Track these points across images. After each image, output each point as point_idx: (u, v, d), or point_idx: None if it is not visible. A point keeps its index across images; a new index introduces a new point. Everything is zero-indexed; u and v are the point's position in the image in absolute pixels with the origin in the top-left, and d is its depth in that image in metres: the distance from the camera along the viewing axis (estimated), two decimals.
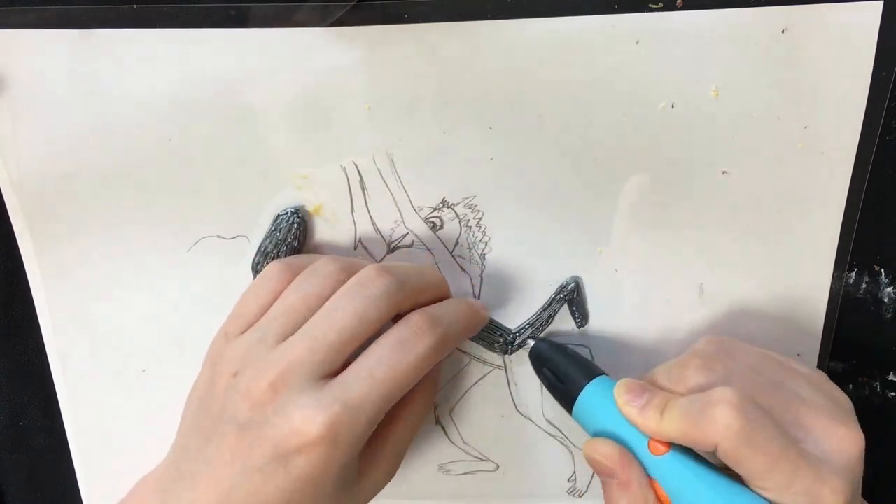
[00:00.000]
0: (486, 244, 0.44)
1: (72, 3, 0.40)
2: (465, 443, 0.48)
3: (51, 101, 0.41)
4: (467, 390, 0.47)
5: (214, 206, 0.43)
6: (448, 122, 0.41)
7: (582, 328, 0.45)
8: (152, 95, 0.41)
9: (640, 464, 0.37)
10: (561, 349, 0.43)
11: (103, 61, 0.40)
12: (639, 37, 0.39)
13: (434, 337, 0.38)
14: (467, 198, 0.43)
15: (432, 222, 0.43)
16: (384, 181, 0.43)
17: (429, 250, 0.44)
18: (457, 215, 0.43)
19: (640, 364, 0.45)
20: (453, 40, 0.40)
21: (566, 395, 0.41)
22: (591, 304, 0.45)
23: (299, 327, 0.37)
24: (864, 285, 0.45)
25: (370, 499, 0.40)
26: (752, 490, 0.35)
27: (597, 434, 0.39)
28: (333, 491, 0.36)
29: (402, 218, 0.43)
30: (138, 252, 0.44)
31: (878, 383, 0.47)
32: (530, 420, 0.47)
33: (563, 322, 0.45)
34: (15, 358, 0.48)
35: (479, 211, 0.43)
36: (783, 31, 0.39)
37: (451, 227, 0.44)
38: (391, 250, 0.44)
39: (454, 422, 0.47)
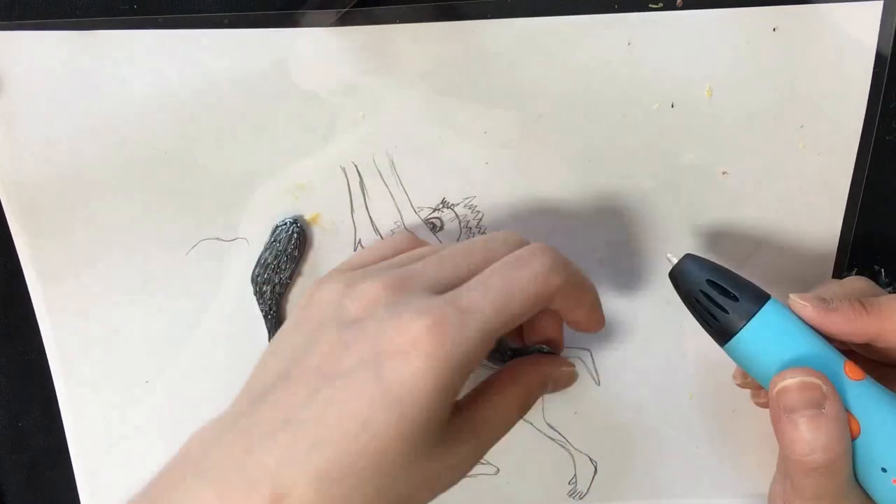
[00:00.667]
0: None
1: (71, 4, 0.40)
2: None
3: (49, 103, 0.41)
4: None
5: (213, 208, 0.43)
6: (447, 122, 0.41)
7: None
8: (151, 97, 0.41)
9: None
10: (720, 267, 0.36)
11: (102, 63, 0.40)
12: (636, 37, 0.39)
13: (549, 259, 0.34)
14: (467, 198, 0.43)
15: (432, 223, 0.43)
16: (384, 182, 0.43)
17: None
18: (457, 216, 0.43)
19: (640, 365, 0.45)
20: (453, 40, 0.40)
21: (729, 322, 0.35)
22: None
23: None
24: None
25: (445, 484, 0.34)
26: None
27: (776, 364, 0.34)
28: (418, 427, 0.31)
29: (401, 219, 0.43)
30: (137, 255, 0.44)
31: None
32: (530, 423, 0.47)
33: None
34: (15, 358, 0.48)
35: (478, 212, 0.43)
36: (774, 30, 0.39)
37: (451, 228, 0.43)
38: None
39: None
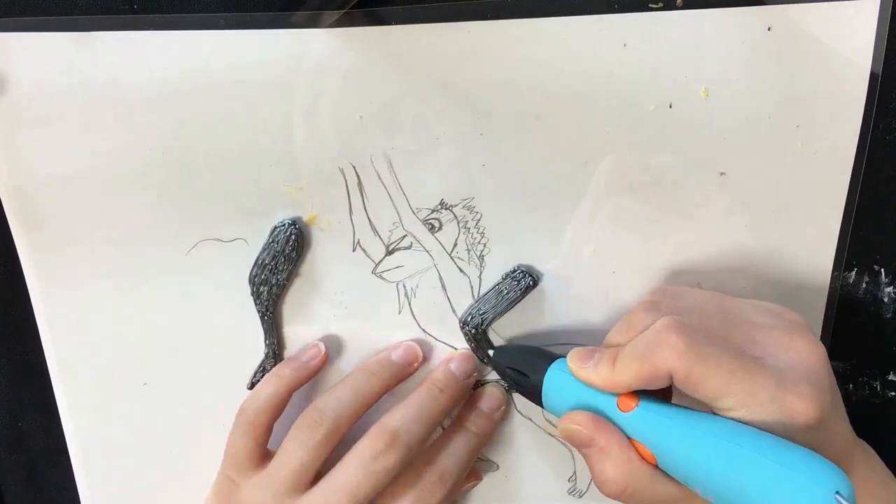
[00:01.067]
0: (484, 245, 0.44)
1: (71, 4, 0.40)
2: None
3: (49, 104, 0.41)
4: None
5: (212, 208, 0.43)
6: (445, 123, 0.41)
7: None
8: (150, 98, 0.41)
9: (617, 427, 0.36)
10: (519, 348, 0.44)
11: (101, 64, 0.40)
12: (632, 38, 0.39)
13: (445, 490, 0.42)
14: (465, 199, 0.43)
15: (431, 224, 0.43)
16: (382, 183, 0.42)
17: (427, 252, 0.44)
18: (455, 217, 0.43)
19: None
20: (450, 42, 0.39)
21: (532, 388, 0.41)
22: (586, 307, 0.45)
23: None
24: (864, 285, 0.45)
25: None
26: (721, 416, 0.34)
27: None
28: None
29: (400, 220, 0.43)
30: (136, 255, 0.44)
31: (878, 383, 0.47)
32: (531, 420, 0.47)
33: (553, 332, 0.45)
34: (15, 358, 0.48)
35: (477, 213, 0.43)
36: (769, 29, 0.39)
37: (449, 229, 0.43)
38: (390, 252, 0.44)
39: None
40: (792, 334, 0.35)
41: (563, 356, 0.40)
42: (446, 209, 0.43)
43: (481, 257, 0.44)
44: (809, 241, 0.43)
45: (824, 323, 0.45)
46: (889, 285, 0.44)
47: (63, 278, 0.45)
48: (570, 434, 0.37)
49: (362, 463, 0.40)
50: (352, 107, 0.41)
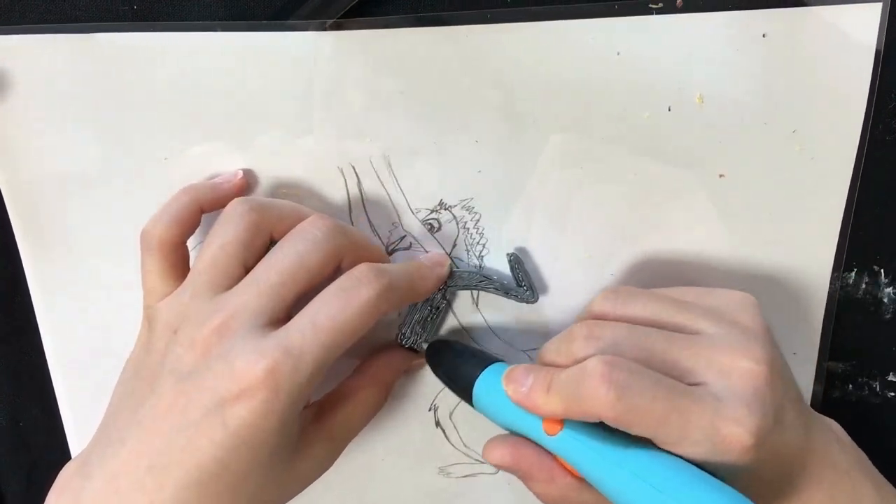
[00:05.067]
0: (483, 245, 0.44)
1: (71, 5, 0.40)
2: (465, 445, 0.48)
3: (50, 105, 0.41)
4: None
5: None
6: (444, 125, 0.41)
7: (533, 302, 0.44)
8: (150, 99, 0.41)
9: (541, 446, 0.37)
10: (455, 344, 0.43)
11: (101, 65, 0.40)
12: (626, 43, 0.39)
13: (378, 285, 0.36)
14: (464, 200, 0.43)
15: (430, 224, 0.43)
16: (381, 184, 0.42)
17: (426, 252, 0.44)
18: (454, 217, 0.43)
19: None
20: (449, 44, 0.40)
21: (464, 388, 0.40)
22: (583, 310, 0.44)
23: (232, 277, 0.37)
24: (863, 285, 0.45)
25: (306, 483, 0.39)
26: (656, 448, 0.34)
27: (501, 421, 0.39)
28: (270, 454, 0.35)
29: (399, 220, 0.43)
30: (137, 255, 0.44)
31: (878, 383, 0.47)
32: None
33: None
34: (15, 358, 0.48)
35: (476, 213, 0.43)
36: (763, 35, 0.39)
37: (448, 229, 0.43)
38: (389, 252, 0.44)
39: (454, 424, 0.47)
40: (736, 353, 0.35)
41: (499, 359, 0.40)
42: (445, 209, 0.43)
43: (480, 258, 0.44)
44: (809, 242, 0.43)
45: (824, 323, 0.45)
46: (889, 285, 0.44)
47: (64, 279, 0.45)
48: (493, 463, 0.38)
49: (341, 288, 0.36)
50: (351, 107, 0.41)
